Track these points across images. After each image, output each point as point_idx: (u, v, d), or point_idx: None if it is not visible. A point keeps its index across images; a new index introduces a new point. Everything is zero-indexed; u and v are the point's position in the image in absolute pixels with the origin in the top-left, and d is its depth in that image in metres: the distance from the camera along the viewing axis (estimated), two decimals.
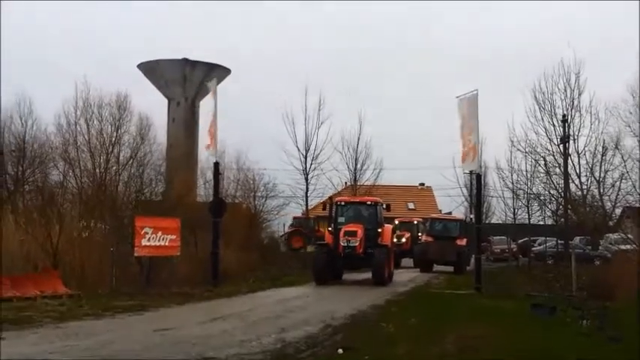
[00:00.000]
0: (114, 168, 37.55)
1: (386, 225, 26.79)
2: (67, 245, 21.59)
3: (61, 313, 14.86)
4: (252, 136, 70.82)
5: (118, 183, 35.70)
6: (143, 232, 21.51)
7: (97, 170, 36.73)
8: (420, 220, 44.79)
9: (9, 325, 12.73)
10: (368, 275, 25.07)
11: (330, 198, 28.05)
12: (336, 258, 24.85)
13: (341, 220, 25.94)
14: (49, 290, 18.12)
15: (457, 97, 24.12)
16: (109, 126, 38.63)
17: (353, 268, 26.51)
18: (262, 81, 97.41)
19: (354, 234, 24.67)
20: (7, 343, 10.76)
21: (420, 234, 41.40)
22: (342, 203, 27.06)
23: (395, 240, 39.49)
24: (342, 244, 24.57)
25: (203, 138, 25.78)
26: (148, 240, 21.59)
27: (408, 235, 40.87)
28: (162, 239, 22.14)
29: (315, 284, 24.23)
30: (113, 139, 38.13)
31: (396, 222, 41.61)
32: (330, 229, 26.09)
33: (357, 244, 24.50)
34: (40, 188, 34.07)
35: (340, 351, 10.65)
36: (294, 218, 47.28)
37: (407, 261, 38.55)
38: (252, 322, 14.30)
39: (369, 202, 27.31)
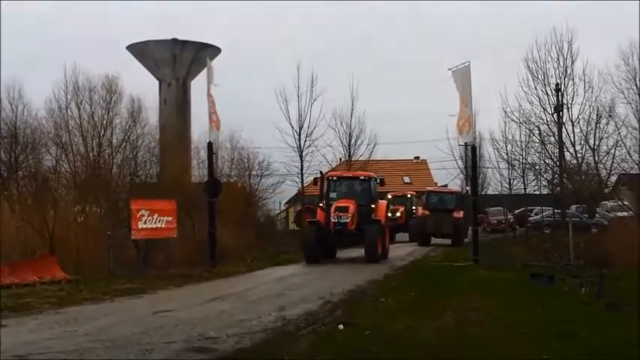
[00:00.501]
0: (107, 151, 37.50)
1: (380, 200, 25.88)
2: (64, 230, 21.62)
3: (60, 298, 14.85)
4: (246, 114, 70.72)
5: (111, 166, 35.72)
6: (139, 214, 21.51)
7: (90, 154, 36.67)
8: (414, 193, 44.49)
9: (8, 312, 12.70)
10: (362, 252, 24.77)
11: (321, 173, 26.72)
12: (328, 235, 23.80)
13: (333, 195, 24.83)
14: (48, 276, 18.14)
15: (449, 69, 24.05)
16: (100, 109, 38.54)
17: (345, 246, 25.58)
18: (254, 59, 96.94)
19: (345, 210, 23.65)
20: (8, 331, 10.74)
21: (414, 207, 41.07)
22: (334, 178, 26.00)
23: (389, 214, 39.51)
24: (333, 220, 23.52)
25: (197, 118, 25.46)
26: (144, 222, 21.60)
27: (402, 209, 40.41)
28: (159, 221, 22.14)
29: (306, 263, 23.33)
30: (105, 122, 38.07)
31: (389, 196, 41.43)
32: (321, 205, 24.77)
33: (348, 220, 23.45)
34: (34, 174, 34.02)
35: (341, 327, 10.65)
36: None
37: (403, 235, 38.54)
38: (251, 302, 14.30)
39: (362, 177, 26.31)
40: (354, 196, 24.68)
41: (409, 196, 43.40)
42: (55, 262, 19.14)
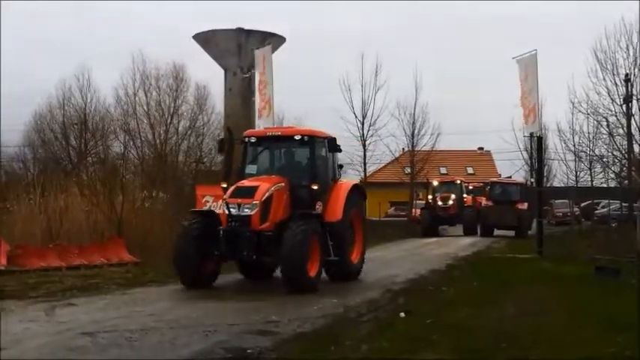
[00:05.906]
0: (173, 138, 38.16)
1: (343, 180, 15.86)
2: (131, 214, 22.10)
3: (126, 280, 15.24)
4: (310, 103, 71.38)
5: (178, 153, 36.33)
6: (204, 200, 21.79)
7: (157, 141, 37.36)
8: (463, 179, 42.26)
9: (78, 292, 13.16)
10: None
11: (229, 130, 18.33)
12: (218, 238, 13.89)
13: (251, 171, 15.34)
14: (115, 258, 18.60)
15: (514, 58, 23.64)
16: (167, 97, 39.21)
17: (240, 260, 14.75)
18: (319, 49, 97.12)
19: (249, 193, 13.80)
20: (79, 310, 11.11)
21: (465, 196, 38.92)
22: (253, 140, 15.50)
23: (440, 203, 37.98)
24: (227, 211, 13.93)
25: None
26: (209, 208, 21.87)
27: (453, 196, 37.66)
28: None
29: (182, 283, 14.02)
30: (171, 109, 38.71)
31: (435, 183, 39.70)
32: (224, 185, 14.89)
33: (254, 211, 13.60)
34: (103, 160, 34.86)
35: (402, 315, 10.67)
36: None
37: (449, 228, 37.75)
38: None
39: (297, 137, 14.95)
40: (287, 171, 15.03)
41: (458, 182, 40.10)
42: (122, 244, 19.60)
